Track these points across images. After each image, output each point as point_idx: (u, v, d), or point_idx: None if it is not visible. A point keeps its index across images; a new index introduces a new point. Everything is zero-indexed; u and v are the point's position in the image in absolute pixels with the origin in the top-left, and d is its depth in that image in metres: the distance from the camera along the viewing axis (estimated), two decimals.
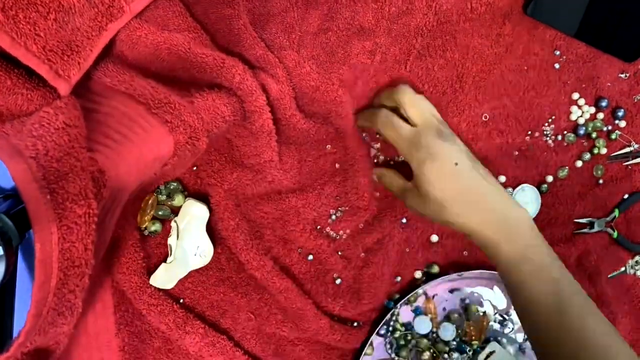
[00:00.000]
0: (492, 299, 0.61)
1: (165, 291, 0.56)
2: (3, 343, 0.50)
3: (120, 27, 0.49)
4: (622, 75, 0.59)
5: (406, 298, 0.58)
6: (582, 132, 0.60)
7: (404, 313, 0.60)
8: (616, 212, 0.61)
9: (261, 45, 0.54)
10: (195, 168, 0.56)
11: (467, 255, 0.61)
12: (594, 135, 0.60)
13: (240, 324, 0.57)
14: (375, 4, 0.55)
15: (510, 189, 0.60)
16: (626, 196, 0.61)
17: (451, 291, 0.61)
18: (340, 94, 0.55)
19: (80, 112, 0.40)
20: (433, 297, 0.61)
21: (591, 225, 0.61)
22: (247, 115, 0.52)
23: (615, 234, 0.61)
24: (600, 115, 0.60)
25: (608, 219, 0.61)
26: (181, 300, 0.56)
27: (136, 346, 0.55)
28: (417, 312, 0.60)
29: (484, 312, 0.60)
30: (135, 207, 0.55)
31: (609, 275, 0.62)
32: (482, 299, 0.61)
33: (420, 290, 0.58)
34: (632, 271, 0.62)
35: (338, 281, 0.58)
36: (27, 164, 0.35)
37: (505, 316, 0.61)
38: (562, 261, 0.61)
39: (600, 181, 0.61)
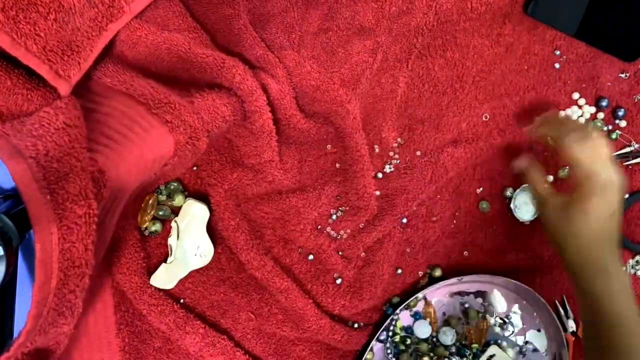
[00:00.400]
0: (492, 301, 0.61)
1: (165, 291, 0.56)
2: (3, 343, 0.50)
3: (120, 28, 0.49)
4: (622, 75, 0.59)
5: (406, 303, 0.58)
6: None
7: (404, 318, 0.60)
8: None
9: (261, 45, 0.54)
10: (195, 168, 0.57)
11: (468, 255, 0.61)
12: None
13: (241, 323, 0.57)
14: (376, 4, 0.55)
15: (511, 189, 0.60)
16: (626, 196, 0.61)
17: (451, 295, 0.61)
18: (341, 93, 0.55)
19: (81, 112, 0.40)
20: (433, 301, 0.61)
21: None
22: (248, 115, 0.52)
23: None
24: (601, 115, 0.60)
25: None
26: (181, 301, 0.56)
27: (136, 346, 0.55)
28: (416, 317, 0.60)
29: (484, 316, 0.60)
30: (135, 207, 0.55)
31: None
32: (482, 303, 0.61)
33: (420, 295, 0.58)
34: (632, 271, 0.62)
35: (339, 281, 0.58)
36: (27, 164, 0.35)
37: (505, 319, 0.61)
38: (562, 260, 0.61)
39: None
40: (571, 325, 0.61)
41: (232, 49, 0.54)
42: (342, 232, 0.58)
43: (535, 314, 0.61)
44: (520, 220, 0.60)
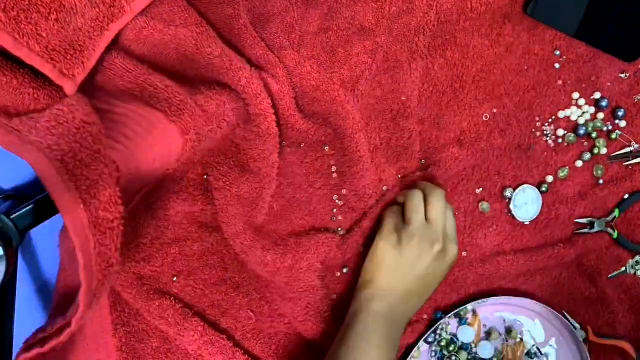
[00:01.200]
0: (532, 330, 0.64)
1: (164, 288, 0.57)
2: (3, 343, 0.51)
3: (121, 27, 0.50)
4: (622, 75, 0.61)
5: (456, 311, 0.61)
6: (582, 132, 0.62)
7: (453, 324, 0.64)
8: (616, 212, 0.63)
9: (261, 45, 0.56)
10: (206, 176, 0.58)
11: (468, 255, 0.62)
12: (594, 135, 0.62)
13: (241, 322, 0.58)
14: (376, 4, 0.57)
15: (511, 189, 0.62)
16: (626, 196, 0.63)
17: (498, 314, 0.64)
18: (341, 93, 0.57)
19: (93, 110, 0.42)
20: (480, 314, 0.64)
21: (591, 225, 0.63)
22: (252, 118, 0.53)
23: (615, 234, 0.63)
24: (601, 115, 0.62)
25: (608, 219, 0.63)
26: (181, 298, 0.58)
27: (134, 346, 0.57)
28: (462, 322, 0.63)
29: (521, 339, 0.63)
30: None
31: (609, 275, 0.64)
32: (522, 328, 0.64)
33: (469, 307, 0.62)
34: (632, 271, 0.64)
35: (345, 270, 0.60)
36: (56, 170, 0.37)
37: (540, 351, 0.63)
38: (562, 260, 0.63)
39: (601, 181, 0.63)
40: (580, 335, 0.62)
41: (232, 49, 0.55)
42: (341, 231, 0.60)
43: (571, 353, 0.63)
44: (520, 221, 0.62)
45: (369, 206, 0.60)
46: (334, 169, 0.59)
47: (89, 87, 0.47)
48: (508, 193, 0.62)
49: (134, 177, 0.44)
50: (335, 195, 0.60)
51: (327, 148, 0.59)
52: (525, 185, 0.62)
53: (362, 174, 0.59)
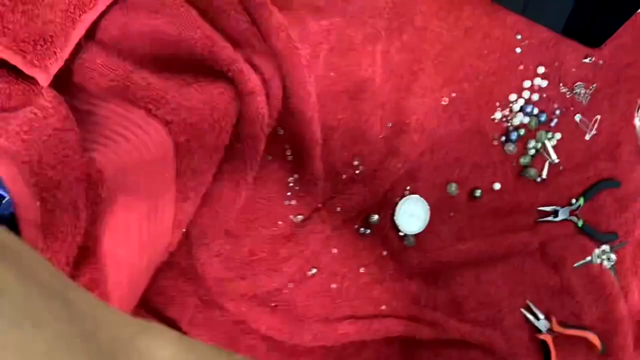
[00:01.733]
0: None
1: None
2: None
3: (95, 17, 0.51)
4: (586, 60, 0.59)
5: None
6: (543, 118, 0.60)
7: None
8: (581, 200, 0.61)
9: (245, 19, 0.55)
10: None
11: (423, 242, 0.63)
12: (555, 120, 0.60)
13: (189, 309, 0.58)
14: None
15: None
16: (591, 184, 0.61)
17: None
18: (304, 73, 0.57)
19: (69, 113, 0.43)
20: None
21: (555, 213, 0.62)
22: (242, 98, 0.54)
23: (580, 223, 0.61)
24: (563, 100, 0.60)
25: (573, 207, 0.61)
26: None
27: None
28: None
29: None
30: None
31: (575, 265, 0.62)
32: None
33: None
34: (598, 261, 0.62)
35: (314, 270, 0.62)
36: (18, 169, 0.38)
37: None
38: (525, 248, 0.62)
39: (561, 167, 0.61)
40: (544, 325, 0.62)
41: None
42: (300, 218, 0.61)
43: None
44: (404, 233, 0.61)
45: (324, 191, 0.61)
46: (288, 152, 0.61)
47: (71, 87, 0.49)
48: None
49: (121, 174, 0.45)
50: (290, 178, 0.61)
51: (282, 131, 0.60)
52: (412, 196, 0.60)
53: (316, 157, 0.59)
